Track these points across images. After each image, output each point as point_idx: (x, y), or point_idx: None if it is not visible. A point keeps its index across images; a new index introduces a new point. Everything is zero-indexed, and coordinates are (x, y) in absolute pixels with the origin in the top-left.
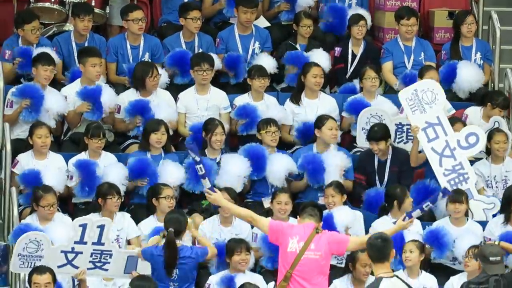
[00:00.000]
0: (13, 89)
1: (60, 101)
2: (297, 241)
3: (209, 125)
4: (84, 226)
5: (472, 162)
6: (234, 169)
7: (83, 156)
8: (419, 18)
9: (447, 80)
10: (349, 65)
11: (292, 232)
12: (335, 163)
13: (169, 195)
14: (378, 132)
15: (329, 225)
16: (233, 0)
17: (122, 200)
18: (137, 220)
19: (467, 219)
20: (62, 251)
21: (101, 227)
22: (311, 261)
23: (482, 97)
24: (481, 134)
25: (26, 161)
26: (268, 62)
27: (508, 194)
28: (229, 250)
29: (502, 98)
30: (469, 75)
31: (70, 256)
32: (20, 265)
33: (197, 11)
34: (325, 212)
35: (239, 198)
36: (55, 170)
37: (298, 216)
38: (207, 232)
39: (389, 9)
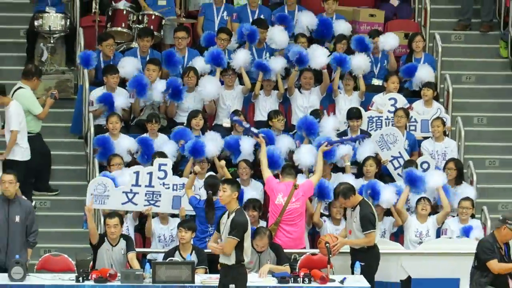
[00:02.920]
0: (95, 96)
1: (124, 99)
2: (281, 196)
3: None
4: (137, 173)
5: (420, 140)
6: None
7: (145, 136)
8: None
9: (408, 75)
10: (333, 72)
11: (278, 189)
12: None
13: (203, 161)
14: (357, 112)
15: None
16: None
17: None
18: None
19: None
20: (123, 192)
21: (150, 174)
22: (294, 210)
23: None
24: (431, 161)
25: None
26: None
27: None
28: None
29: (426, 83)
30: (425, 71)
31: (130, 195)
32: (93, 203)
33: (224, 34)
34: None
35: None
36: (125, 147)
37: (280, 175)
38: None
39: (363, 31)
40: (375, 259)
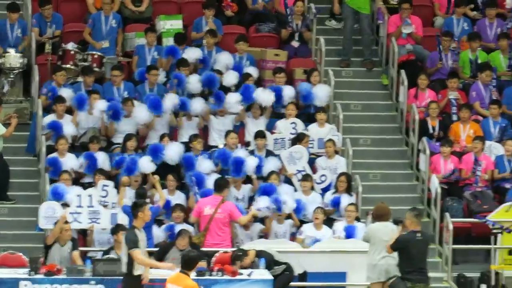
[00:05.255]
0: (46, 121)
1: (71, 126)
2: (209, 208)
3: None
4: (80, 196)
5: (316, 157)
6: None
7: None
8: (286, 73)
9: (307, 100)
10: None
11: (205, 204)
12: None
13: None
14: (262, 133)
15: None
16: None
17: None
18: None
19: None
20: (70, 213)
21: (90, 196)
22: (218, 219)
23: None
24: (328, 174)
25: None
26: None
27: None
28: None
29: (319, 109)
30: (323, 94)
31: (75, 215)
32: (45, 223)
33: (155, 70)
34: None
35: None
36: (71, 164)
37: (214, 191)
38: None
39: (269, 68)
40: None
